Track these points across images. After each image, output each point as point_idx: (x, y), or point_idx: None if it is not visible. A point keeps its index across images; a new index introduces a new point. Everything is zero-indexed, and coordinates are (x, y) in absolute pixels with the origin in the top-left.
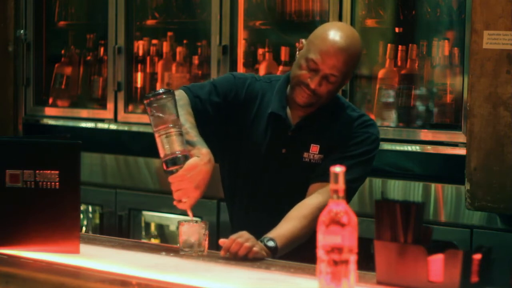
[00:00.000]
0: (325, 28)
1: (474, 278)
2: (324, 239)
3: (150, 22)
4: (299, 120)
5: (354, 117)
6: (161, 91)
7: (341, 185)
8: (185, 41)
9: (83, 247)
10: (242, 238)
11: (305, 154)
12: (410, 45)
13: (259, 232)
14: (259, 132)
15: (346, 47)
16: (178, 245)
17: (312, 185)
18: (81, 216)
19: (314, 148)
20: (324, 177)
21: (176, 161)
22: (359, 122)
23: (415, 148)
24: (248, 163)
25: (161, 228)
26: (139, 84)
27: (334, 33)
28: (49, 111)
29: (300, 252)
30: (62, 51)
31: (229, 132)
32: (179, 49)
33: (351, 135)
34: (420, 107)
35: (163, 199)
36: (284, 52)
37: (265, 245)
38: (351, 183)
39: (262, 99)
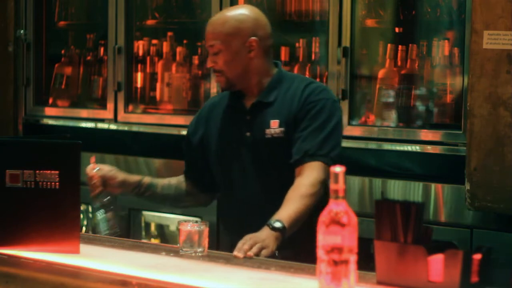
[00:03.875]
0: None
1: (474, 278)
2: (324, 239)
3: (150, 22)
4: (252, 103)
5: (303, 87)
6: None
7: (341, 185)
8: (185, 41)
9: (83, 247)
10: (252, 241)
11: (267, 131)
12: (410, 45)
13: (245, 224)
14: (223, 130)
15: (213, 19)
16: (178, 245)
17: (297, 169)
18: (81, 216)
19: (274, 123)
20: (305, 158)
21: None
22: (310, 90)
23: (415, 148)
24: (222, 159)
25: (161, 228)
26: (139, 84)
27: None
28: (49, 111)
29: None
30: (62, 51)
31: (208, 151)
32: (179, 49)
33: (307, 106)
34: (420, 107)
35: None
36: (284, 52)
37: (273, 227)
38: (332, 153)
39: (217, 105)
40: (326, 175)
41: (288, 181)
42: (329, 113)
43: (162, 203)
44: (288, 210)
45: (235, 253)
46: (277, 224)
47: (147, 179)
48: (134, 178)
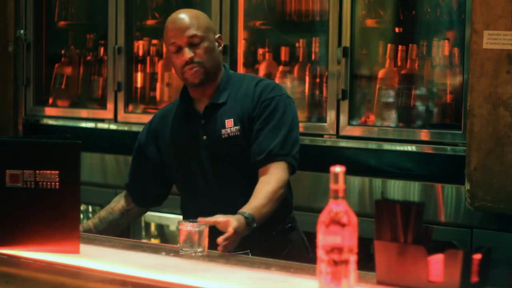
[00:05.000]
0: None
1: (474, 278)
2: (324, 239)
3: (150, 22)
4: (205, 106)
5: (254, 85)
6: None
7: (341, 185)
8: None
9: (83, 247)
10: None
11: (223, 131)
12: (410, 45)
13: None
14: (180, 137)
15: (182, 15)
16: (178, 245)
17: (261, 169)
18: (81, 216)
19: (229, 123)
20: (269, 158)
21: None
22: (261, 87)
23: (415, 148)
24: (181, 165)
25: (161, 228)
26: (139, 84)
27: (171, 17)
28: (49, 111)
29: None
30: (62, 51)
31: (165, 158)
32: None
33: (262, 104)
34: (420, 107)
35: None
36: (284, 52)
37: (251, 227)
38: (293, 151)
39: (168, 114)
40: (289, 174)
41: (248, 179)
42: (284, 110)
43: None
44: (261, 211)
45: (220, 240)
46: (254, 225)
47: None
48: None
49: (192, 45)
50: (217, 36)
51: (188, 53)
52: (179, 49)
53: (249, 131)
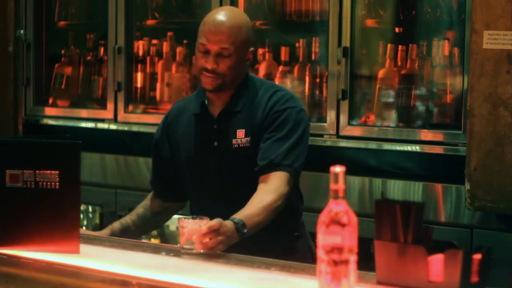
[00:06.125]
0: (209, 13)
1: (474, 278)
2: (324, 239)
3: (150, 22)
4: (219, 111)
5: (268, 95)
6: None
7: (341, 185)
8: (185, 41)
9: (83, 247)
10: (218, 234)
11: (234, 141)
12: (410, 45)
13: None
14: (190, 137)
15: (226, 20)
16: (179, 244)
17: (261, 177)
18: (81, 216)
19: (240, 133)
20: (270, 167)
21: None
22: (276, 99)
23: (415, 148)
24: (191, 167)
25: (161, 228)
26: (139, 84)
27: (215, 14)
28: (49, 111)
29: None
30: (62, 51)
31: (175, 155)
32: (179, 49)
33: (273, 115)
34: (420, 107)
35: None
36: (284, 52)
37: (242, 233)
38: (296, 163)
39: (183, 111)
40: (290, 186)
41: (254, 186)
42: (295, 122)
43: (142, 234)
44: (254, 219)
45: (195, 239)
46: (244, 231)
47: (116, 225)
48: (104, 232)
49: (220, 55)
50: (250, 49)
51: (212, 63)
52: (207, 52)
53: (259, 142)
